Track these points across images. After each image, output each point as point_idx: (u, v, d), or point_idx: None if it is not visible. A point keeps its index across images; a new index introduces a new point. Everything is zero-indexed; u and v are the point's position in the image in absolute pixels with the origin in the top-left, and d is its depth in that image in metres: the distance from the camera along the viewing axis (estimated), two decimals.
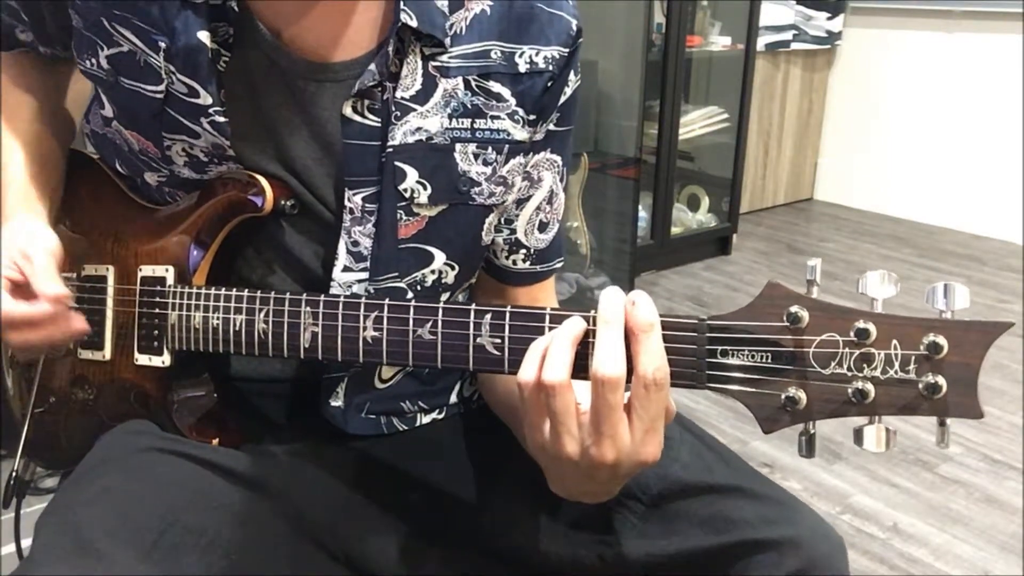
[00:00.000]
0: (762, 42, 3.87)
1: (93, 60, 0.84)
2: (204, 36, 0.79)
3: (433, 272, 0.88)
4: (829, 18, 4.27)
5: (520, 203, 0.93)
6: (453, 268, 0.89)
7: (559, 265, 1.00)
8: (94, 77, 0.86)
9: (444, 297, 0.91)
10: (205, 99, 0.81)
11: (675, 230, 3.62)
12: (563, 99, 0.90)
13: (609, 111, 3.37)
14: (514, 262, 0.96)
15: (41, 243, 0.86)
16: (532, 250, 0.96)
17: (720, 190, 3.81)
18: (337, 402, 0.90)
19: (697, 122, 3.69)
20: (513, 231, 0.94)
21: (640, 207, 3.30)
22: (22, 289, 0.85)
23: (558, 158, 0.93)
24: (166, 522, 0.78)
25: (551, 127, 0.91)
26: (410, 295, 0.87)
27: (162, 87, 0.81)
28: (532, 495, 0.90)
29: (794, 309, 0.62)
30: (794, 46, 4.19)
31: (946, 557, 1.89)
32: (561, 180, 0.95)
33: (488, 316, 0.73)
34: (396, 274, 0.86)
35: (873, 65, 4.34)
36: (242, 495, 0.84)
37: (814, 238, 4.09)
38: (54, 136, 0.97)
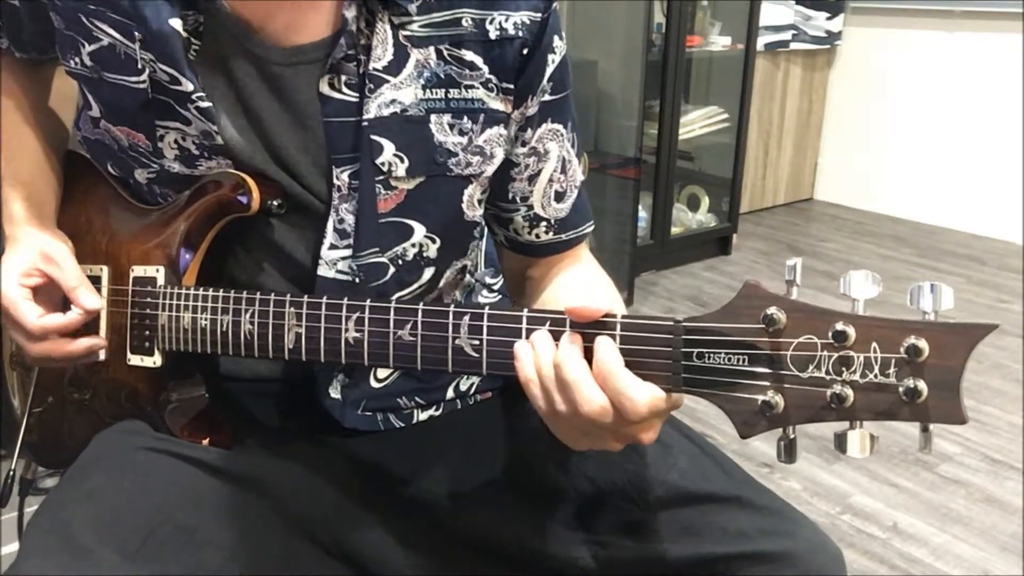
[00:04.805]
0: (762, 42, 3.86)
1: (77, 59, 0.85)
2: (176, 23, 0.80)
3: (414, 246, 0.88)
4: (829, 18, 4.26)
5: (532, 179, 0.93)
6: (434, 241, 0.89)
7: (589, 229, 0.99)
8: (79, 76, 0.86)
9: (428, 272, 0.91)
10: (187, 86, 0.81)
11: (675, 230, 3.61)
12: (552, 68, 0.89)
13: (609, 111, 3.36)
14: (537, 235, 0.96)
15: (61, 244, 0.89)
16: (552, 220, 0.95)
17: (720, 190, 3.81)
18: (336, 394, 0.90)
19: (697, 122, 3.68)
20: (530, 207, 0.94)
21: (640, 207, 3.30)
22: (46, 293, 0.87)
23: (560, 126, 0.92)
24: (156, 521, 0.78)
25: (546, 98, 0.90)
26: (392, 270, 0.87)
27: (144, 77, 0.82)
28: (527, 494, 0.90)
29: (771, 311, 0.61)
30: (794, 46, 4.18)
31: (946, 557, 1.88)
32: (572, 146, 0.94)
33: (466, 318, 0.73)
34: (377, 249, 0.86)
35: (873, 65, 4.33)
36: (234, 494, 0.84)
37: (814, 238, 4.08)
38: (47, 136, 0.97)
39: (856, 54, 4.39)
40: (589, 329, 0.69)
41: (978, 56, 3.94)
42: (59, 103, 1.02)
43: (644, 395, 0.66)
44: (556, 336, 0.70)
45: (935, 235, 4.09)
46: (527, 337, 0.71)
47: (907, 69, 4.20)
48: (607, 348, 0.67)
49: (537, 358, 0.69)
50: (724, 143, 3.75)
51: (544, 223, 0.95)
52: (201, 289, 0.85)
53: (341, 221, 0.85)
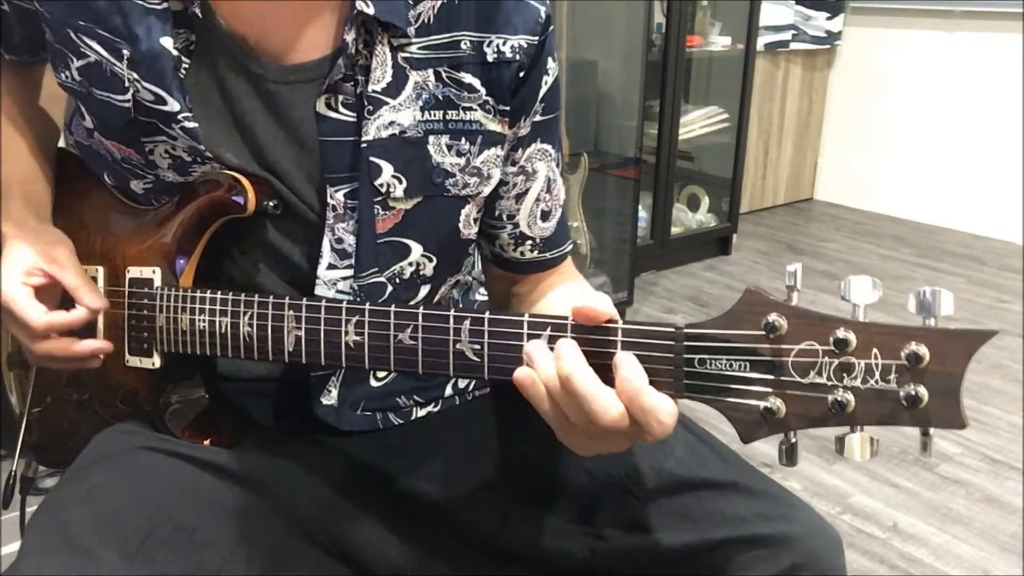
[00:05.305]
0: (762, 42, 3.86)
1: (67, 73, 0.85)
2: (167, 42, 0.79)
3: (411, 264, 0.88)
4: (829, 18, 4.26)
5: (519, 197, 0.94)
6: (431, 260, 0.89)
7: (569, 248, 1.01)
8: (70, 89, 0.86)
9: (424, 290, 0.91)
10: (173, 106, 0.81)
11: (675, 230, 3.61)
12: (544, 89, 0.89)
13: (609, 111, 3.37)
14: (522, 253, 0.97)
15: (61, 245, 0.89)
16: (538, 239, 0.96)
17: (720, 190, 3.81)
18: (329, 400, 0.90)
19: (697, 122, 3.68)
20: (516, 225, 0.95)
21: (640, 207, 3.29)
22: (47, 293, 0.87)
23: (548, 147, 0.93)
24: (156, 521, 0.78)
25: (537, 118, 0.90)
26: (390, 289, 0.88)
27: (128, 96, 0.82)
28: (525, 488, 0.91)
29: (772, 318, 0.61)
30: (793, 46, 4.18)
31: (946, 557, 1.88)
32: (557, 165, 0.95)
33: (467, 322, 0.73)
34: (376, 269, 0.86)
35: (873, 65, 4.33)
36: (234, 493, 0.84)
37: (814, 238, 4.08)
38: (39, 136, 0.97)
39: (856, 54, 4.39)
40: (591, 335, 0.69)
41: (978, 56, 3.94)
42: (48, 101, 1.02)
43: (670, 409, 0.65)
44: (552, 341, 0.69)
45: (935, 235, 4.09)
46: (528, 342, 0.70)
47: (907, 69, 4.20)
48: (633, 367, 0.65)
49: (541, 374, 0.67)
50: (724, 143, 3.75)
51: (529, 241, 0.96)
52: (199, 291, 0.85)
53: (339, 241, 0.85)
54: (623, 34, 3.22)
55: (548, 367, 0.67)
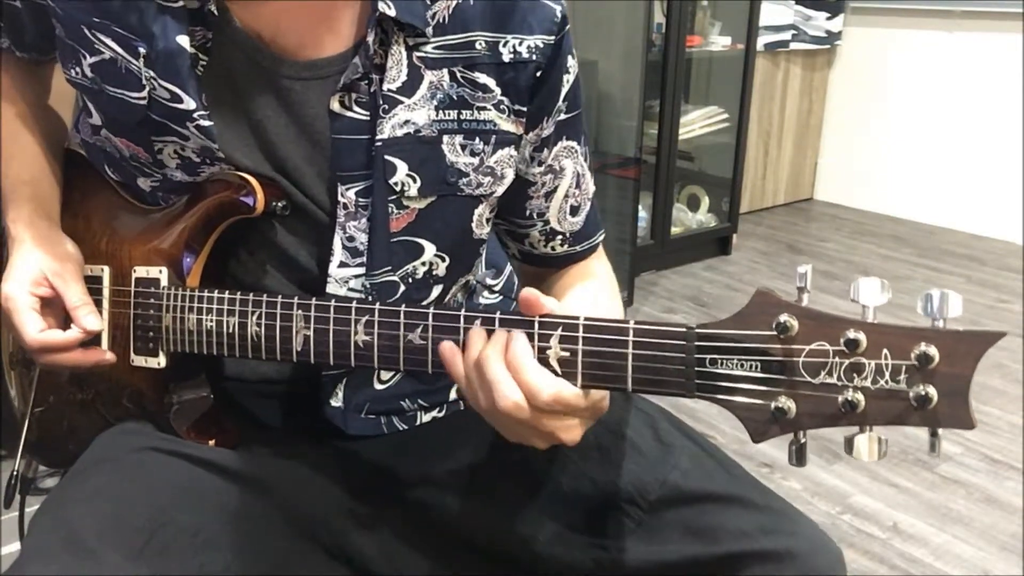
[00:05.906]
0: (762, 42, 3.87)
1: (77, 69, 0.85)
2: (183, 40, 0.79)
3: (424, 264, 0.88)
4: (828, 18, 4.26)
5: (548, 195, 0.94)
6: (444, 260, 0.90)
7: (600, 238, 1.02)
8: (80, 86, 0.86)
9: (436, 290, 0.91)
10: (189, 104, 0.81)
11: (675, 230, 3.62)
12: (566, 89, 0.90)
13: (609, 111, 3.37)
14: (552, 248, 0.98)
15: (69, 260, 0.89)
16: (567, 233, 0.98)
17: (720, 190, 3.81)
18: (337, 403, 0.90)
19: (697, 122, 3.68)
20: (546, 222, 0.96)
21: (640, 207, 3.30)
22: (52, 305, 0.87)
23: (574, 143, 0.94)
24: (159, 522, 0.78)
25: (561, 117, 0.91)
26: (402, 288, 0.88)
27: (144, 94, 0.82)
28: (530, 496, 0.90)
29: (783, 318, 0.62)
30: (793, 46, 4.19)
31: (946, 557, 1.89)
32: (585, 160, 0.96)
33: (478, 322, 0.73)
34: (389, 268, 0.86)
35: (873, 65, 4.33)
36: (238, 494, 0.84)
37: (814, 238, 4.09)
38: (47, 136, 0.97)
39: (856, 54, 4.40)
40: (601, 335, 0.69)
41: (978, 56, 3.94)
42: (56, 100, 1.01)
43: (550, 387, 0.68)
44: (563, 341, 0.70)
45: (935, 235, 4.10)
46: (538, 342, 0.71)
47: (907, 69, 4.20)
48: (518, 343, 0.70)
49: (465, 356, 0.72)
50: (724, 143, 3.76)
51: (560, 236, 0.97)
52: (206, 291, 0.85)
53: (351, 239, 0.85)
54: (623, 34, 3.22)
55: (474, 350, 0.71)
